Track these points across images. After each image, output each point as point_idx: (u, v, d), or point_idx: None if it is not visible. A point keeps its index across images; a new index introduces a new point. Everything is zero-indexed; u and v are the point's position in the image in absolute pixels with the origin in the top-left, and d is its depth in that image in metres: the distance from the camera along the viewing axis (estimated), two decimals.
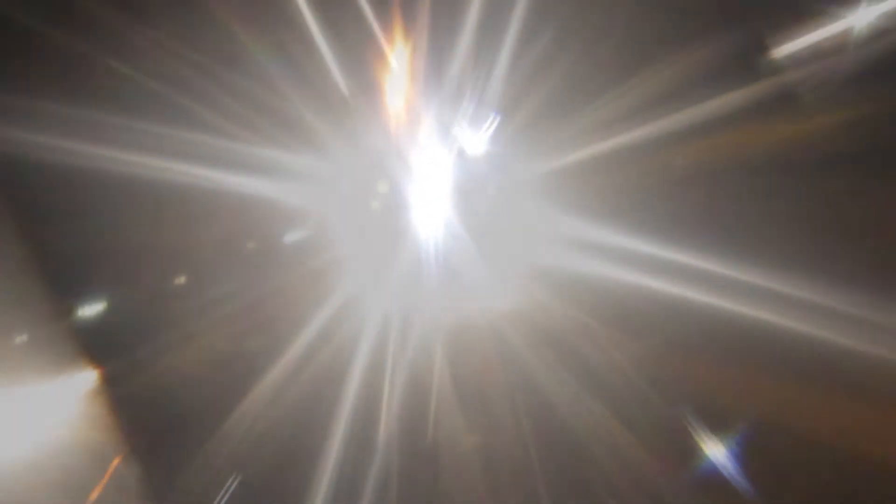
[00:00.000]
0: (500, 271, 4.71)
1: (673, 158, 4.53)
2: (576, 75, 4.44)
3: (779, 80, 4.20)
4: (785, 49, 4.22)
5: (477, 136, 4.87)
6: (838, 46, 4.10)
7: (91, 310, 4.38)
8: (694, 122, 4.30)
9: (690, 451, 3.86)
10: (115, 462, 3.87)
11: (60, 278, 4.16)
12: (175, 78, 4.13)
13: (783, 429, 3.64)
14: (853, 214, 3.89)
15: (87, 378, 4.10)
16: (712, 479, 3.81)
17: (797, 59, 4.21)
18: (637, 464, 3.84)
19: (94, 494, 3.68)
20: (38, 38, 4.05)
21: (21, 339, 3.89)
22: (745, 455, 3.75)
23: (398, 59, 4.62)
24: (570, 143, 4.59)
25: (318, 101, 4.41)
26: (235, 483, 3.97)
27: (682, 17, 4.36)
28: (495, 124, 4.79)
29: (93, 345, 4.20)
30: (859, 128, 3.87)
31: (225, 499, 3.95)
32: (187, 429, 4.09)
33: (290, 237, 4.75)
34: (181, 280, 4.56)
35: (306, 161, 4.52)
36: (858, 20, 4.06)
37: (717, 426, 3.85)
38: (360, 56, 4.54)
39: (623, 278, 4.31)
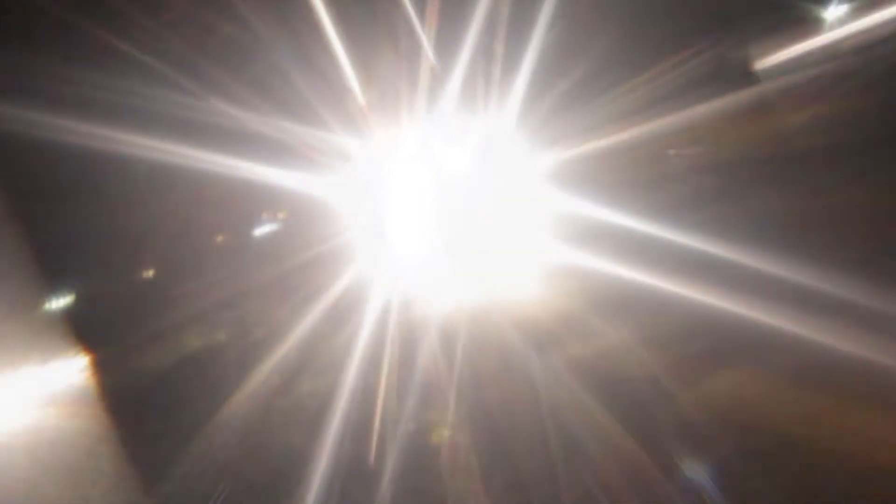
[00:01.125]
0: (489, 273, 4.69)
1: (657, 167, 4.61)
2: (568, 92, 4.50)
3: (770, 83, 4.34)
4: (777, 56, 4.39)
5: (465, 147, 4.89)
6: (824, 53, 4.30)
7: (60, 302, 4.11)
8: (683, 125, 4.39)
9: (697, 457, 3.82)
10: (95, 466, 3.62)
11: (29, 267, 3.89)
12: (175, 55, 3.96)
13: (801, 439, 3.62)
14: (844, 205, 4.01)
15: (58, 373, 3.84)
16: (712, 485, 3.79)
17: (787, 65, 4.38)
18: (644, 472, 3.78)
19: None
20: None
21: None
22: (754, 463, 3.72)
23: (395, 68, 4.59)
24: (561, 150, 4.62)
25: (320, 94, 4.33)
26: (224, 494, 3.75)
27: (672, 27, 4.46)
28: (486, 133, 4.80)
29: (63, 338, 3.93)
30: (846, 124, 4.03)
31: None
32: (171, 431, 3.87)
33: (275, 230, 4.64)
34: (155, 272, 4.36)
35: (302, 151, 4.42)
36: (842, 30, 4.29)
37: (724, 429, 3.82)
38: (363, 61, 4.49)
39: (616, 284, 4.32)
